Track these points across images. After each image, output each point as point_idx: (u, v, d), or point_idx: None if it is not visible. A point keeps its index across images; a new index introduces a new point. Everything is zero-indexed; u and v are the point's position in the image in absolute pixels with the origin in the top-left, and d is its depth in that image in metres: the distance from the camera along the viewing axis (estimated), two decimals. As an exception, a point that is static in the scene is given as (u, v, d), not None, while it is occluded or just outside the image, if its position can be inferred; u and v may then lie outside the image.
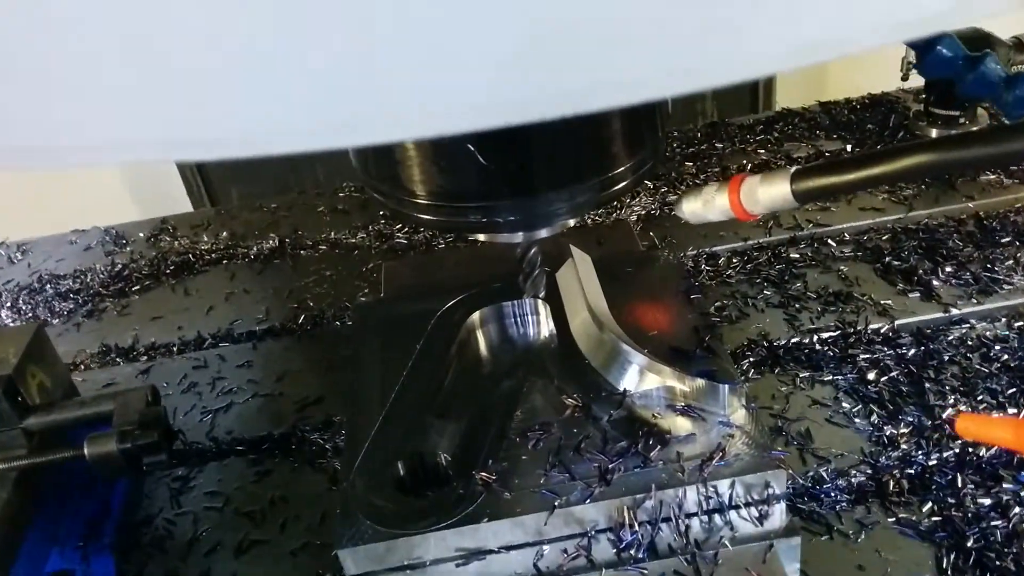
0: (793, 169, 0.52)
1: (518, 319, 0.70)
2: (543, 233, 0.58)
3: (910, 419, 0.76)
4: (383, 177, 0.51)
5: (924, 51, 0.94)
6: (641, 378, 0.60)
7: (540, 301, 0.69)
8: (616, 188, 0.51)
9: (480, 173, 0.47)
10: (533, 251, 0.62)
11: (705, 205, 0.57)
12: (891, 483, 0.70)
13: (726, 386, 0.57)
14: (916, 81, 1.20)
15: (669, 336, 0.64)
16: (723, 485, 0.53)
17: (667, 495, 0.53)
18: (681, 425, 0.57)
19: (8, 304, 1.11)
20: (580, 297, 0.66)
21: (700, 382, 0.57)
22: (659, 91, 0.24)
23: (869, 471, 0.72)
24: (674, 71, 0.23)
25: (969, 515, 0.67)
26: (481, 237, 0.56)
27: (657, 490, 0.52)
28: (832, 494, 0.70)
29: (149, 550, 0.75)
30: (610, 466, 0.54)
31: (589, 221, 1.09)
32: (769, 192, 0.53)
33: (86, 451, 0.68)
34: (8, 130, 0.24)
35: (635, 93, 0.24)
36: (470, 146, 0.45)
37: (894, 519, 0.68)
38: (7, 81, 0.22)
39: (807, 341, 0.86)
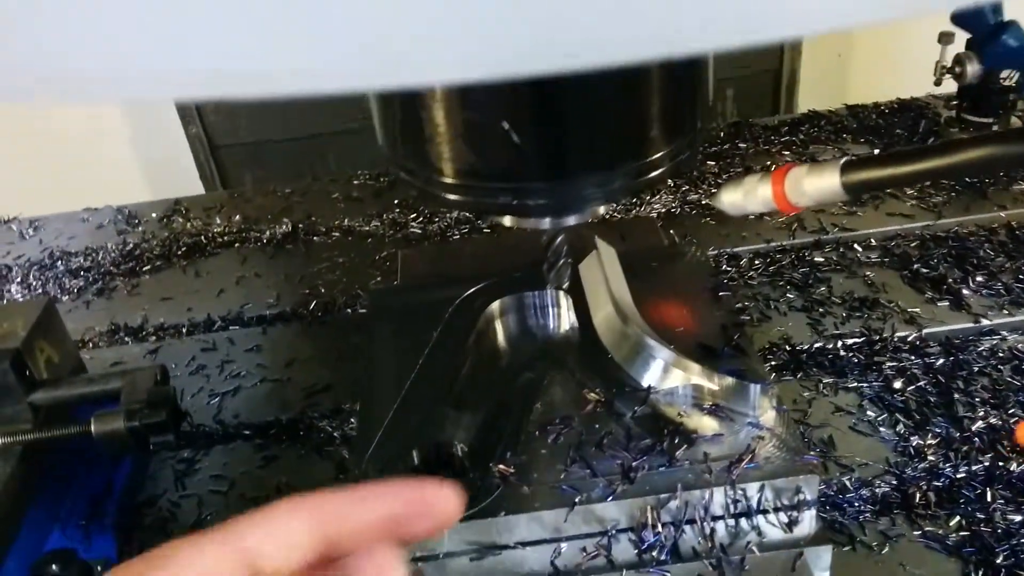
0: (843, 160, 0.50)
1: (539, 310, 0.68)
2: (572, 220, 0.55)
3: (938, 430, 0.73)
4: (411, 155, 0.49)
5: (987, 41, 0.91)
6: (666, 374, 0.58)
7: (562, 293, 0.67)
8: (652, 175, 0.48)
9: (513, 153, 0.45)
10: (559, 240, 0.60)
11: (746, 196, 0.55)
12: (917, 495, 0.68)
13: (757, 386, 0.54)
14: (948, 88, 1.17)
15: (696, 333, 0.62)
16: (752, 488, 0.51)
17: (693, 496, 0.51)
18: (708, 425, 0.55)
19: (19, 279, 1.10)
20: (604, 290, 0.64)
21: (729, 381, 0.55)
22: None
23: (894, 482, 0.70)
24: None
25: (999, 531, 0.64)
26: (507, 222, 0.54)
27: (683, 490, 0.50)
28: (855, 504, 0.68)
29: (152, 531, 0.74)
30: (633, 464, 0.52)
31: (613, 216, 1.07)
32: (817, 183, 0.51)
33: (93, 428, 0.67)
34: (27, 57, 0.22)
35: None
36: (505, 124, 0.44)
37: (920, 532, 0.66)
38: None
39: (831, 347, 0.84)
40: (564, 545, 0.51)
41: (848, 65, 2.09)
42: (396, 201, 1.19)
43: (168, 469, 0.80)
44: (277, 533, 0.33)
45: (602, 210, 0.56)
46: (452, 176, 0.48)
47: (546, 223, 0.54)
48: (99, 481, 0.77)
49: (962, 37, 1.10)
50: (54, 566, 0.62)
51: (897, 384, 0.79)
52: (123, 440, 0.67)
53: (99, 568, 0.67)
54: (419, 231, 1.12)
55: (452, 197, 0.49)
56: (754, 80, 1.97)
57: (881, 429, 0.75)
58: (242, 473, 0.78)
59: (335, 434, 0.81)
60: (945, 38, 1.10)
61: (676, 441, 0.54)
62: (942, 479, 0.69)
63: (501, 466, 0.53)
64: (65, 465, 0.76)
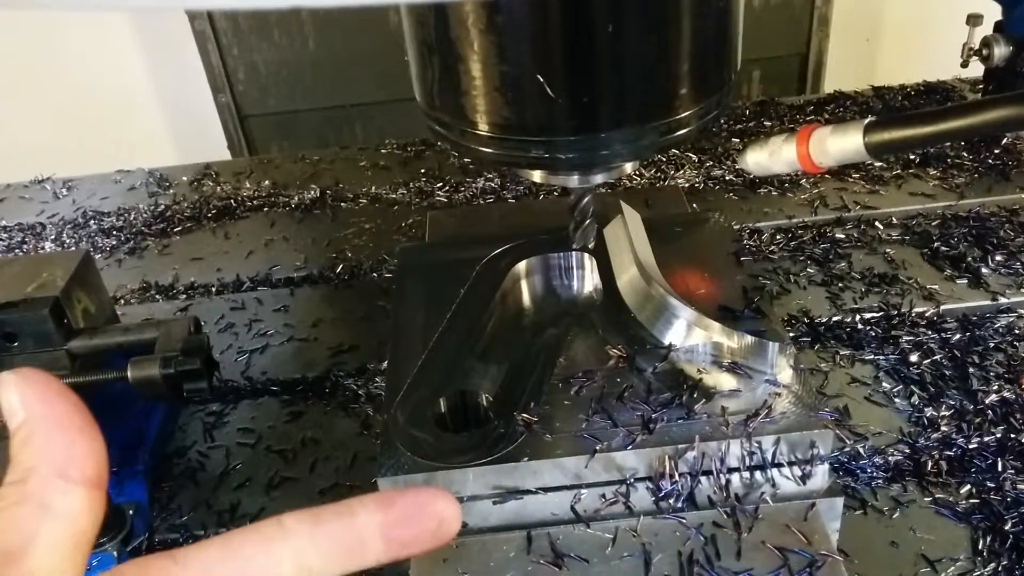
0: (867, 120, 0.51)
1: (564, 271, 0.69)
2: (599, 179, 0.57)
3: (952, 402, 0.74)
4: (446, 108, 0.51)
5: (1012, 6, 0.90)
6: (688, 333, 0.59)
7: (587, 255, 0.69)
8: (680, 132, 0.50)
9: (546, 106, 0.47)
10: (586, 200, 0.62)
11: (771, 156, 0.56)
12: (929, 463, 0.69)
13: (775, 344, 0.56)
14: (974, 72, 1.17)
15: (717, 296, 0.64)
16: (767, 442, 0.52)
17: (710, 447, 0.52)
18: (726, 381, 0.57)
19: (52, 237, 1.13)
20: (629, 252, 0.65)
21: (748, 339, 0.57)
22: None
23: (907, 451, 0.71)
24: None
25: (1008, 499, 0.66)
26: (536, 178, 0.56)
27: (700, 442, 0.52)
28: (868, 470, 0.70)
29: (181, 480, 0.76)
30: (653, 416, 0.54)
31: (638, 183, 1.08)
32: (840, 144, 0.52)
33: (129, 373, 0.69)
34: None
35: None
36: (539, 77, 0.45)
37: (931, 499, 0.67)
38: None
39: (849, 320, 0.85)
40: (584, 491, 0.53)
41: (876, 50, 2.09)
42: (423, 170, 1.21)
43: (197, 421, 0.83)
44: (254, 569, 0.30)
45: (629, 168, 0.57)
46: (485, 129, 0.49)
47: (575, 180, 0.55)
48: (131, 431, 0.80)
49: (990, 20, 1.10)
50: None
51: (913, 357, 0.80)
52: (158, 386, 0.69)
53: (130, 512, 0.70)
54: (445, 199, 1.14)
55: (485, 150, 0.50)
56: (781, 63, 1.97)
57: (896, 400, 0.76)
58: (269, 427, 0.80)
59: (360, 392, 0.83)
60: (973, 20, 1.10)
61: (695, 395, 0.55)
62: (954, 449, 0.70)
63: (525, 415, 0.55)
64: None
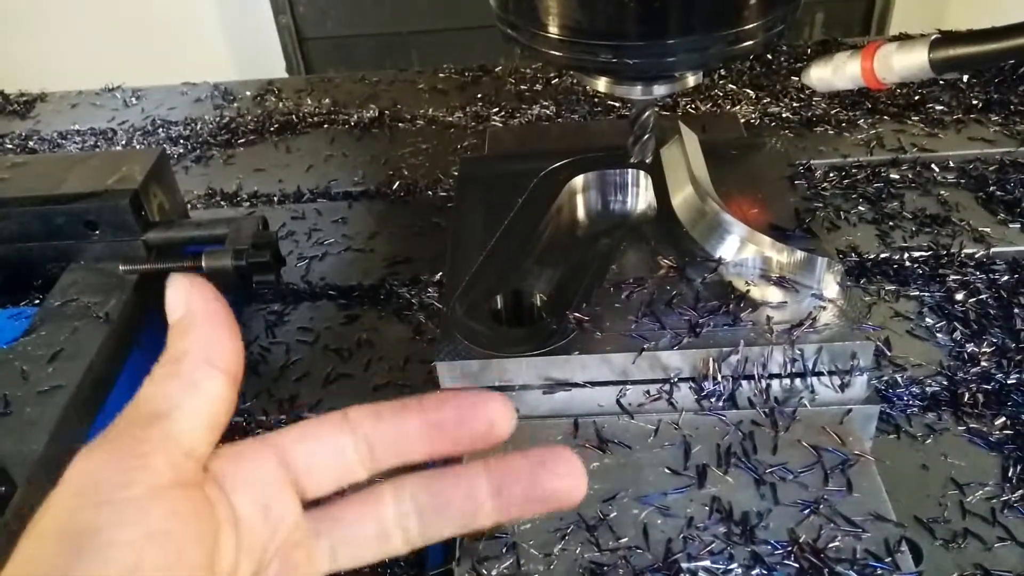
0: (933, 36, 0.52)
1: (619, 188, 0.71)
2: (661, 91, 0.58)
3: (994, 340, 0.75)
4: (520, 11, 0.53)
5: None
6: (740, 248, 0.61)
7: (643, 173, 0.70)
8: (746, 44, 0.51)
9: (616, 10, 0.48)
10: (647, 114, 0.63)
11: (835, 72, 0.57)
12: (966, 395, 0.71)
13: (824, 260, 0.58)
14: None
15: (769, 217, 0.65)
16: (809, 350, 0.54)
17: (753, 352, 0.54)
18: (773, 294, 0.59)
19: (124, 142, 1.17)
20: (685, 171, 0.67)
21: (798, 254, 0.58)
22: None
23: (945, 383, 0.72)
24: None
25: (1042, 434, 0.67)
26: (601, 87, 0.58)
27: (744, 346, 0.54)
28: (905, 399, 0.71)
29: (244, 371, 0.81)
30: (700, 320, 0.56)
31: (695, 109, 1.08)
32: (905, 60, 0.52)
33: (203, 263, 0.73)
34: None
35: None
36: (612, -20, 0.46)
37: (964, 428, 0.68)
38: None
39: (897, 258, 0.86)
40: (630, 388, 0.56)
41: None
42: (479, 95, 1.23)
43: (260, 319, 0.87)
44: (325, 451, 0.33)
45: (692, 81, 0.58)
46: (556, 32, 0.51)
47: (637, 91, 0.57)
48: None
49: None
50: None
51: (959, 296, 0.80)
52: (229, 276, 0.73)
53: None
54: (501, 124, 1.15)
55: (554, 53, 0.52)
56: (847, 7, 1.92)
57: (938, 335, 0.77)
58: (326, 328, 0.84)
59: (413, 301, 0.86)
60: (1053, -38, 1.07)
61: (741, 305, 0.57)
62: (992, 383, 0.72)
63: (577, 314, 0.57)
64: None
